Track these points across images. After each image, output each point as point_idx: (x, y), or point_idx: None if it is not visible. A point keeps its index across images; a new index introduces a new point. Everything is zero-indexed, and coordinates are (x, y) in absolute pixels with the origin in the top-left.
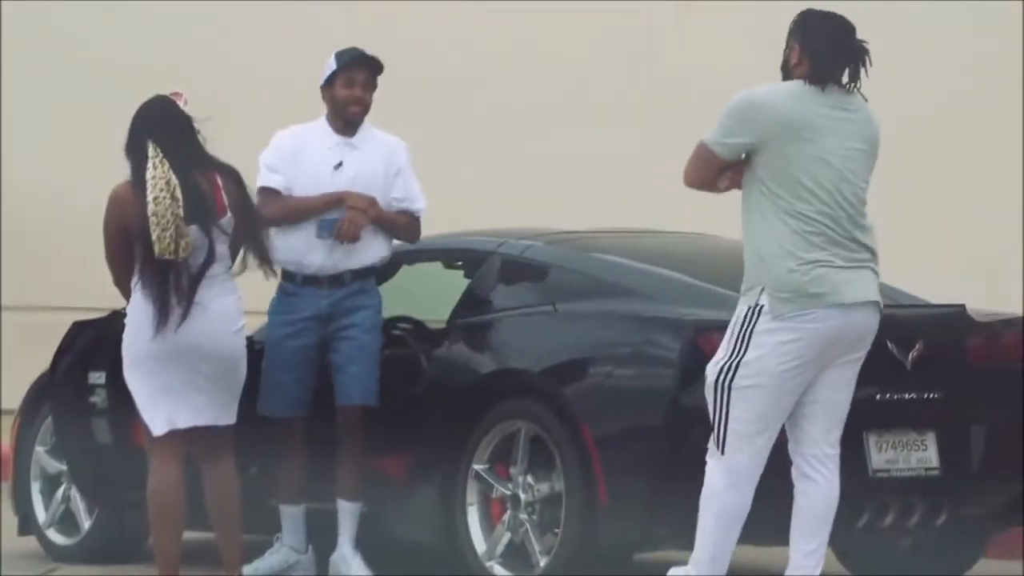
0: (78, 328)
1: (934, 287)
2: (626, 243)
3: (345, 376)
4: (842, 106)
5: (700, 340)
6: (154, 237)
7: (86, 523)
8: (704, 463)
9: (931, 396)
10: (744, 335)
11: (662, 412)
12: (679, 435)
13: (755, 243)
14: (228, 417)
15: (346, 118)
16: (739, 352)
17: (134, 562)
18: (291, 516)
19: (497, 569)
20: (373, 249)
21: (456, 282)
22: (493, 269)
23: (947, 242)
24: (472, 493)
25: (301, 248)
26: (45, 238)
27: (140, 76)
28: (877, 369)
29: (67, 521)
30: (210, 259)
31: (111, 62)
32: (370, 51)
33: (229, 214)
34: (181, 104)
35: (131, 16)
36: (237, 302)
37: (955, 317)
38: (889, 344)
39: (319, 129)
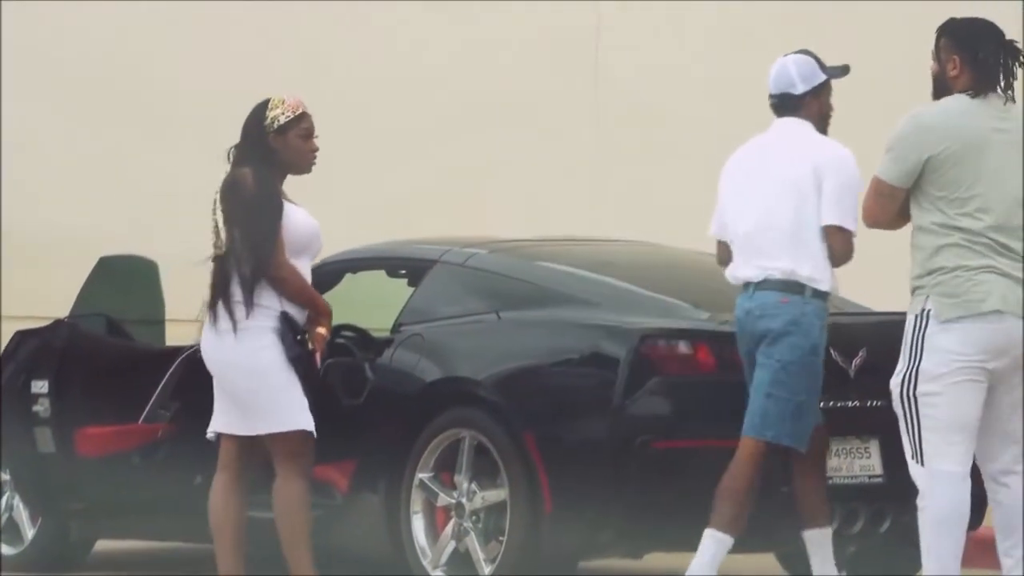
0: (21, 337)
1: (883, 294)
2: (570, 251)
3: None
4: (1002, 116)
5: (645, 348)
6: None
7: (30, 533)
8: (650, 470)
9: (874, 404)
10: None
11: (606, 420)
12: (623, 443)
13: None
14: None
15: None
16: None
17: (78, 571)
18: None
19: None
20: None
21: (400, 290)
22: (437, 277)
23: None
24: (417, 502)
25: None
26: (44, 247)
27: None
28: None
29: (11, 531)
30: None
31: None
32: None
33: None
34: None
35: (132, 20)
36: None
37: (898, 324)
38: (832, 352)
39: None
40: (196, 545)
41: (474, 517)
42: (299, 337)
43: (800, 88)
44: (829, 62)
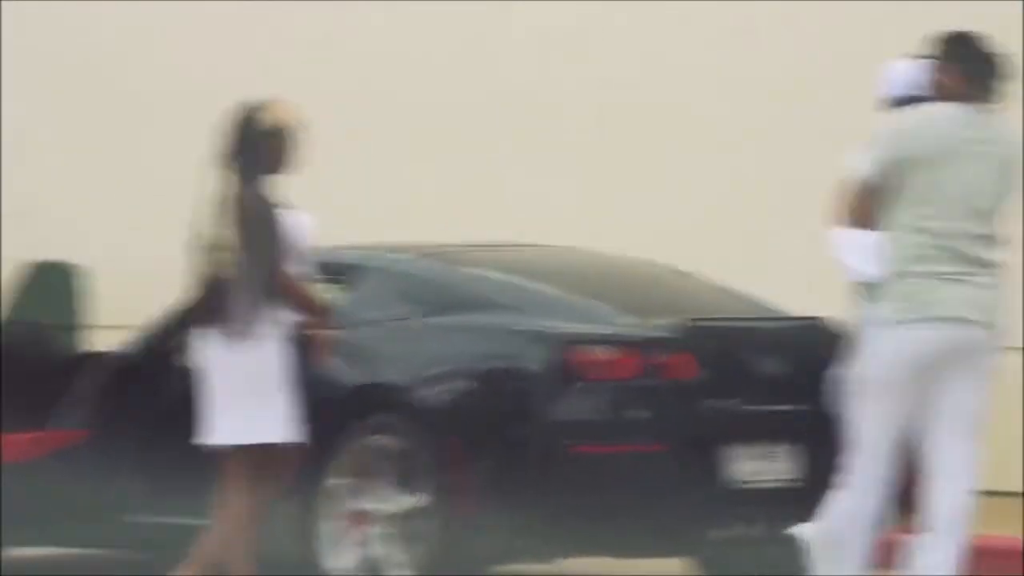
0: None
1: (786, 298)
2: (494, 257)
3: None
4: (982, 128)
5: (569, 353)
6: None
7: None
8: (572, 475)
9: (789, 408)
10: None
11: (528, 426)
12: (545, 449)
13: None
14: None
15: None
16: None
17: None
18: None
19: None
20: None
21: (327, 295)
22: (363, 282)
23: (798, 253)
24: (333, 507)
25: None
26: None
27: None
28: (741, 381)
29: None
30: None
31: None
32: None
33: None
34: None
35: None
36: None
37: (815, 329)
38: (753, 356)
39: None
40: (109, 552)
41: (392, 522)
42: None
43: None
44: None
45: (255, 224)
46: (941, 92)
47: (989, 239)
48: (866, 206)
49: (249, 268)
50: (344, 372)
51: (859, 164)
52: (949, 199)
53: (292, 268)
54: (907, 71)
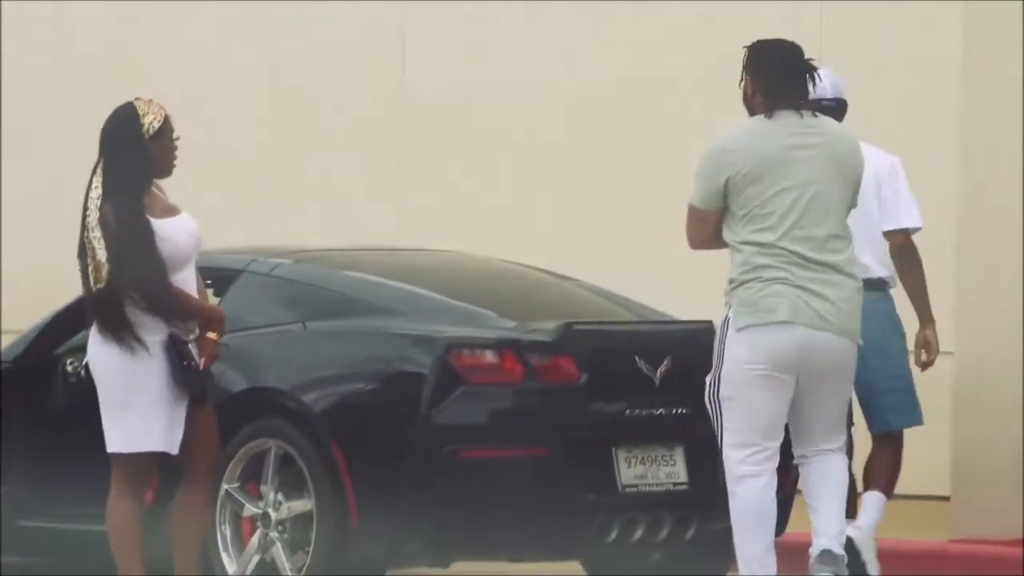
0: None
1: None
2: (375, 260)
3: None
4: (802, 132)
5: (451, 357)
6: None
7: None
8: (457, 479)
9: (679, 411)
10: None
11: (412, 430)
12: (429, 452)
13: None
14: None
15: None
16: None
17: None
18: None
19: None
20: None
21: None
22: (242, 287)
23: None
24: (223, 512)
25: None
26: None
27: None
28: (625, 384)
29: None
30: None
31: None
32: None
33: None
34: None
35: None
36: None
37: (702, 332)
38: (638, 360)
39: None
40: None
41: (280, 527)
42: (185, 363)
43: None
44: None
45: (125, 236)
46: (752, 104)
47: (836, 238)
48: (707, 232)
49: (125, 278)
50: (229, 378)
51: (690, 194)
52: (783, 208)
53: (174, 275)
54: (830, 77)
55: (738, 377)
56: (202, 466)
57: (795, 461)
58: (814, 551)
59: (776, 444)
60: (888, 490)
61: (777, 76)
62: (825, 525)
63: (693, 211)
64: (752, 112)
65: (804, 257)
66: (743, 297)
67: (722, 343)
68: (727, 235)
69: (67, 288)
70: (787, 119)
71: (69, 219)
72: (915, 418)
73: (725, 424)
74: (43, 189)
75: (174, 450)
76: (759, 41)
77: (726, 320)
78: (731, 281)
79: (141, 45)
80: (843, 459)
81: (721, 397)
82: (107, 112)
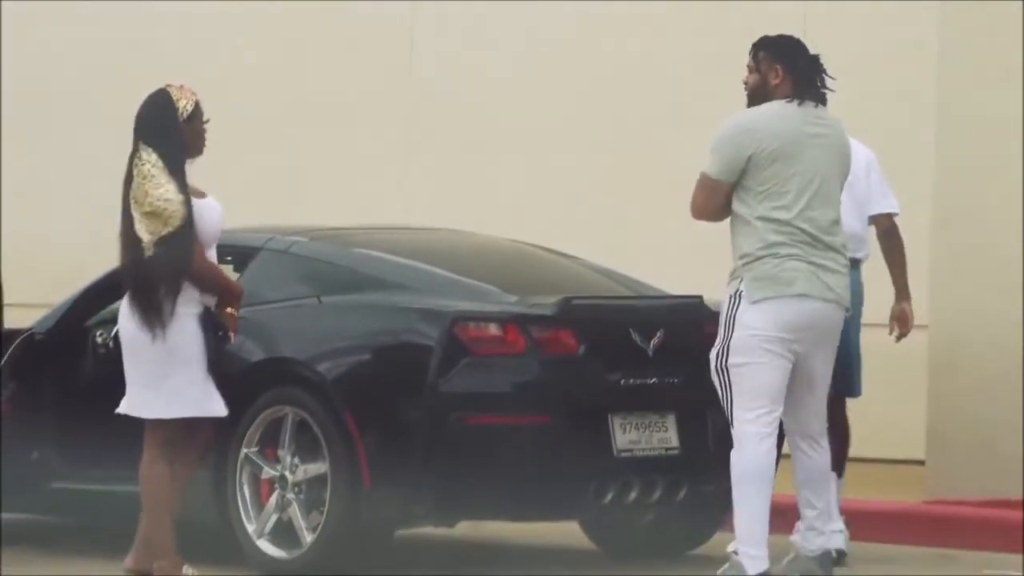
0: None
1: (665, 275)
2: (386, 239)
3: None
4: (816, 122)
5: (457, 329)
6: None
7: None
8: (463, 444)
9: (671, 381)
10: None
11: (421, 398)
12: (437, 419)
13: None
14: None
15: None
16: None
17: None
18: None
19: (266, 546)
20: None
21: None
22: (261, 264)
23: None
24: (242, 474)
25: None
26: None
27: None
28: (621, 355)
29: None
30: None
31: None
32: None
33: None
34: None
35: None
36: None
37: (693, 307)
38: (632, 332)
39: None
40: (31, 517)
41: (296, 489)
42: (220, 333)
43: None
44: None
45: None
46: (775, 91)
47: (836, 223)
48: (716, 203)
49: (164, 252)
50: (248, 348)
51: (706, 165)
52: (798, 189)
53: (206, 252)
54: None
55: (750, 345)
56: (200, 431)
57: (794, 448)
58: (814, 550)
59: (780, 410)
60: (839, 469)
61: (807, 68)
62: (824, 524)
63: (707, 181)
64: (754, 102)
65: (813, 237)
66: (760, 271)
67: (731, 315)
68: (740, 208)
69: (94, 265)
70: (808, 108)
71: (97, 197)
72: (852, 391)
73: (735, 390)
74: (74, 170)
75: (222, 412)
76: (782, 35)
77: (737, 293)
78: (744, 256)
79: (152, 32)
80: (827, 452)
81: (730, 365)
82: (139, 92)
